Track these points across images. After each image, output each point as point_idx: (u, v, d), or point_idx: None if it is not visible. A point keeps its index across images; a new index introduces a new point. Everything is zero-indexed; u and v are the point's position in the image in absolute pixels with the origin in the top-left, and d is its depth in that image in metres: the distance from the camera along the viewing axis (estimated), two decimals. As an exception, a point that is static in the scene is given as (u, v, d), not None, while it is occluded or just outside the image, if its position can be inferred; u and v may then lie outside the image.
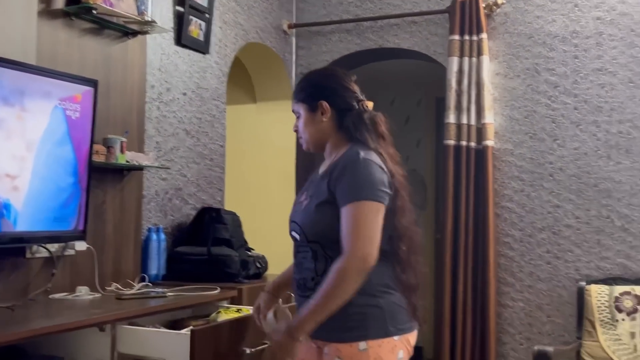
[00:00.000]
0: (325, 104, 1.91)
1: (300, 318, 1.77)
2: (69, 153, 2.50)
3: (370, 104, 1.96)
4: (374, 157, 1.83)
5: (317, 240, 1.84)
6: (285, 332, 1.76)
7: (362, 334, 1.77)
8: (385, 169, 1.83)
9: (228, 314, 2.65)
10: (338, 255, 1.76)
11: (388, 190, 1.81)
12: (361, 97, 1.95)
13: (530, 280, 3.80)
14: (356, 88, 1.96)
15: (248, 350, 2.29)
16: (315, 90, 1.93)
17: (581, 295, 3.47)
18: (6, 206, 2.25)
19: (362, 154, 1.81)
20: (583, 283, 3.53)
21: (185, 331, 2.22)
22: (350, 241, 1.73)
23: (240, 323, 2.34)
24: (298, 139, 1.99)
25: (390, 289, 1.83)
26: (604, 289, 3.41)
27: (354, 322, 1.78)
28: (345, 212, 1.76)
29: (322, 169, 1.95)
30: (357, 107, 1.92)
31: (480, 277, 3.79)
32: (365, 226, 1.74)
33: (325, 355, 1.81)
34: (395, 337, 1.80)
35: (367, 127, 1.90)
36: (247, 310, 2.68)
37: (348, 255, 1.72)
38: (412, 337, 1.87)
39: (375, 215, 1.76)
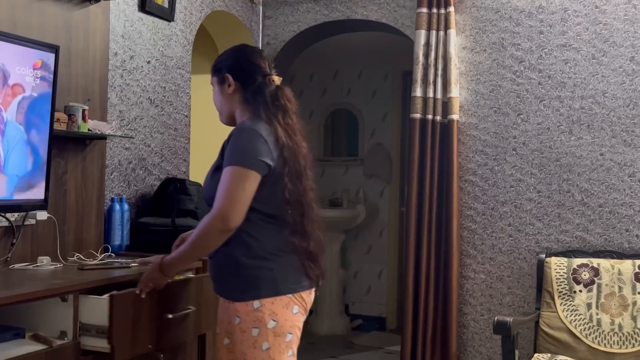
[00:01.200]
0: (229, 76, 2.06)
1: (169, 259, 2.04)
2: (29, 121, 2.43)
3: (276, 79, 2.09)
4: (261, 128, 1.95)
5: (211, 203, 1.97)
6: (155, 265, 2.06)
7: (254, 293, 1.96)
8: (270, 140, 1.95)
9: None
10: (237, 231, 1.93)
11: (266, 160, 1.93)
12: (268, 71, 2.08)
13: (491, 253, 3.87)
14: (263, 63, 2.09)
15: (170, 316, 2.35)
16: (223, 64, 2.10)
17: (541, 267, 3.55)
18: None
19: (248, 123, 1.97)
20: (543, 255, 3.61)
21: (105, 296, 2.21)
22: (216, 201, 1.90)
23: (127, 283, 2.37)
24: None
25: (281, 252, 1.99)
26: (562, 261, 3.50)
27: (247, 283, 1.96)
28: (222, 175, 1.92)
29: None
30: (259, 80, 2.05)
31: (444, 249, 3.85)
32: (231, 189, 1.88)
33: (230, 313, 2.00)
34: (289, 295, 1.99)
35: (264, 99, 2.02)
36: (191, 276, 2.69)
37: (212, 214, 1.90)
38: (306, 295, 2.05)
39: (242, 180, 1.89)
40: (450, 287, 3.81)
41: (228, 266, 2.00)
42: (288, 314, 1.99)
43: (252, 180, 1.91)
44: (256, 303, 1.96)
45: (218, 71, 2.10)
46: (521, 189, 3.82)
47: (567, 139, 3.74)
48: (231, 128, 2.06)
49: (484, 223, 3.90)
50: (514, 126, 3.84)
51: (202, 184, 2.13)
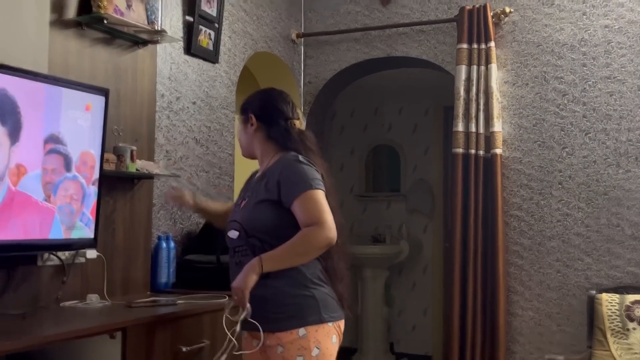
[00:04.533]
0: (252, 116, 2.21)
1: (267, 255, 1.98)
2: (81, 162, 2.51)
3: (298, 123, 2.24)
4: (303, 158, 2.10)
5: (256, 235, 2.04)
6: (256, 260, 1.97)
7: (300, 321, 2.00)
8: (318, 170, 2.09)
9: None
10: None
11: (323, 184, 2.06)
12: (290, 116, 2.22)
13: (540, 289, 3.79)
14: (287, 107, 2.23)
15: (184, 349, 2.37)
16: (249, 105, 2.25)
17: (591, 304, 3.46)
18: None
19: (294, 155, 2.10)
20: (593, 292, 3.51)
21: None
22: (319, 217, 1.97)
23: (175, 320, 2.41)
24: None
25: (321, 281, 2.07)
26: (614, 297, 3.39)
27: (291, 312, 2.00)
28: (302, 200, 1.99)
29: (258, 174, 2.22)
30: (282, 124, 2.19)
31: (490, 285, 3.78)
32: (325, 207, 2.00)
33: (268, 348, 2.01)
34: (329, 324, 2.04)
35: (294, 139, 2.17)
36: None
37: (320, 226, 1.96)
38: (342, 324, 2.11)
39: (324, 199, 2.01)
40: (497, 325, 3.73)
41: (274, 297, 2.02)
42: (329, 343, 2.04)
43: (326, 201, 2.03)
44: (302, 331, 1.99)
45: (244, 111, 2.26)
46: (568, 224, 3.74)
47: (615, 172, 3.66)
48: (250, 161, 2.29)
49: (531, 259, 3.82)
50: (559, 160, 3.79)
51: (231, 218, 2.17)
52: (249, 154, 2.29)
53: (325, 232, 1.97)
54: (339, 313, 2.11)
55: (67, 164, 2.48)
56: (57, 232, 2.43)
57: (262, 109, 2.22)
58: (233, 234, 2.12)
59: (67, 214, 2.48)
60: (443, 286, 5.59)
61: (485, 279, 3.81)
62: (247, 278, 1.97)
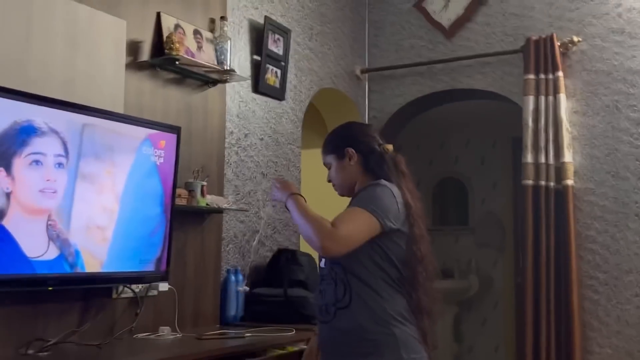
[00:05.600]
0: (350, 149, 2.12)
1: (299, 199, 2.01)
2: (156, 198, 2.61)
3: (389, 147, 2.18)
4: (394, 189, 2.02)
5: (339, 261, 1.97)
6: (288, 193, 2.05)
7: (377, 359, 1.91)
8: (400, 201, 2.01)
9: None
10: (358, 282, 1.95)
11: (392, 219, 1.96)
12: (381, 141, 2.17)
13: (618, 325, 3.62)
14: (375, 134, 2.20)
15: None
16: (341, 140, 2.17)
17: (675, 341, 3.28)
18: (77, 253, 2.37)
19: (382, 182, 2.03)
20: (676, 329, 3.34)
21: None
22: (339, 223, 1.89)
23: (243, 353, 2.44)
24: (333, 187, 2.19)
25: (404, 319, 1.97)
26: (700, 335, 3.21)
27: (370, 348, 1.92)
28: (347, 210, 1.97)
29: None
30: (378, 149, 2.13)
31: (564, 321, 3.65)
32: (352, 223, 1.91)
33: None
34: None
35: (388, 166, 2.10)
36: (291, 348, 2.74)
37: (332, 229, 1.88)
38: None
39: (365, 221, 1.92)
40: (573, 363, 3.58)
41: (354, 331, 1.96)
42: None
43: (371, 227, 1.93)
44: None
45: (335, 148, 2.16)
46: (647, 257, 3.59)
47: (696, 203, 3.50)
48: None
49: (608, 293, 3.67)
50: (635, 191, 3.65)
51: None
52: (349, 190, 2.17)
53: (326, 240, 1.88)
54: (421, 354, 1.99)
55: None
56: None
57: (356, 139, 2.15)
58: (322, 262, 2.10)
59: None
60: (515, 322, 5.43)
61: (559, 314, 3.68)
62: (282, 185, 2.09)
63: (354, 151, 2.13)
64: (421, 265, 2.00)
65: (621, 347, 3.60)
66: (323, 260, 2.07)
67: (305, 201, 2.03)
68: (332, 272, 2.01)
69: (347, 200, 2.12)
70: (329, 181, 2.20)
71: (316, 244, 1.89)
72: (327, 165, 2.19)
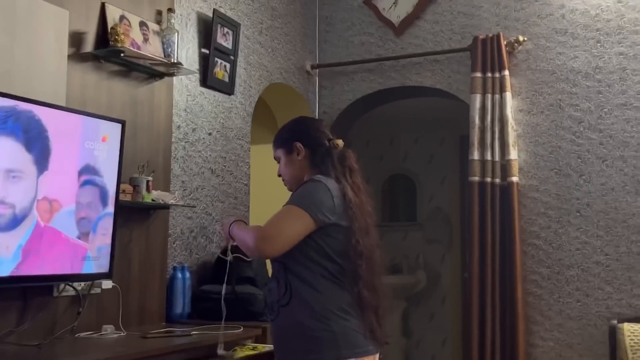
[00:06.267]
0: (298, 144, 2.14)
1: (236, 226, 2.08)
2: (99, 194, 2.54)
3: (339, 142, 2.17)
4: (330, 183, 2.03)
5: (279, 259, 2.00)
6: (229, 222, 2.13)
7: (317, 356, 1.93)
8: (337, 194, 2.01)
9: (244, 351, 2.66)
10: (296, 279, 1.97)
11: (326, 213, 1.97)
12: (331, 136, 2.18)
13: (560, 319, 3.72)
14: (326, 129, 2.21)
15: None
16: (290, 134, 2.18)
17: (613, 334, 3.38)
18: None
19: (319, 177, 2.05)
20: (615, 321, 3.44)
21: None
22: (268, 225, 1.94)
23: (189, 351, 2.42)
24: (283, 181, 2.21)
25: (346, 313, 1.97)
26: (637, 327, 3.32)
27: (310, 345, 1.94)
28: (280, 210, 1.99)
29: None
30: (327, 144, 2.14)
31: (509, 315, 3.73)
32: (282, 221, 1.95)
33: None
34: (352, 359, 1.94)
35: (332, 161, 2.10)
36: (262, 347, 2.73)
37: (260, 232, 1.94)
38: (371, 358, 2.01)
39: (295, 218, 1.94)
40: (517, 356, 3.66)
41: (294, 329, 1.98)
42: None
43: (304, 223, 1.95)
44: None
45: (284, 142, 2.18)
46: (587, 252, 3.69)
47: (634, 200, 3.62)
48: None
49: (550, 288, 3.77)
50: (577, 187, 3.75)
51: None
52: (299, 185, 2.15)
53: (258, 240, 1.93)
54: (365, 348, 1.98)
55: (104, 198, 2.55)
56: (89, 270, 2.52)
57: (305, 134, 2.17)
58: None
59: (104, 254, 2.56)
60: (462, 317, 5.53)
61: (504, 308, 3.75)
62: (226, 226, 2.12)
63: (302, 145, 2.13)
64: (361, 258, 2.00)
65: (563, 340, 3.70)
66: None
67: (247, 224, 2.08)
68: (275, 271, 2.04)
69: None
70: (279, 175, 2.21)
71: (251, 248, 1.94)
72: (277, 159, 2.20)
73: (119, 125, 2.64)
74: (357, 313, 1.98)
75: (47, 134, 2.30)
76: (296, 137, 2.16)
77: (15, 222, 2.21)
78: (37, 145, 2.28)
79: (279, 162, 2.20)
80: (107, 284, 2.72)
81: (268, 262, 3.43)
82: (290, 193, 2.13)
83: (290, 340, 1.98)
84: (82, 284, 2.61)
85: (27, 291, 2.41)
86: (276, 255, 1.98)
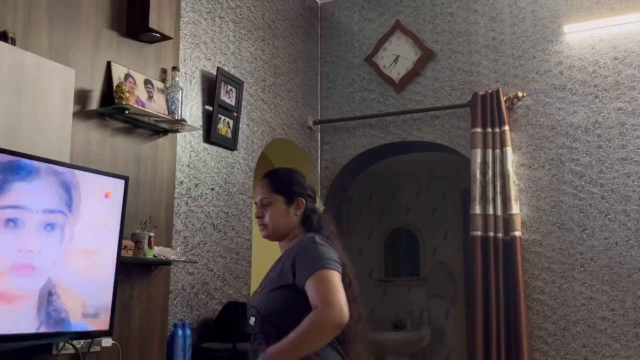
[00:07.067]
0: (303, 200, 2.11)
1: (274, 349, 1.85)
2: (99, 249, 2.53)
3: (321, 207, 2.18)
4: (325, 243, 2.01)
5: (272, 320, 1.94)
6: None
7: None
8: (338, 254, 2.00)
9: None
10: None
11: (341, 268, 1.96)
12: (314, 196, 2.18)
13: (567, 377, 3.65)
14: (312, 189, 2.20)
15: None
16: (296, 187, 2.13)
17: (622, 392, 3.31)
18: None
19: (313, 236, 2.01)
20: (623, 379, 3.37)
21: None
22: (327, 297, 1.85)
23: None
24: (260, 225, 2.12)
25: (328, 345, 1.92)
26: (646, 385, 3.26)
27: None
28: (313, 280, 1.89)
29: (279, 256, 2.11)
30: (313, 205, 2.14)
31: (515, 373, 3.65)
32: (337, 287, 1.87)
33: None
34: None
35: (320, 222, 2.11)
36: None
37: (326, 308, 1.83)
38: None
39: (337, 282, 1.89)
40: (524, 415, 3.57)
41: None
42: None
43: (339, 279, 1.92)
44: None
45: (287, 192, 2.12)
46: (593, 307, 3.65)
47: (638, 254, 3.60)
48: (268, 245, 2.13)
49: (557, 344, 3.70)
50: (580, 242, 3.74)
51: (251, 304, 2.07)
52: (280, 238, 2.13)
53: (333, 314, 1.83)
54: None
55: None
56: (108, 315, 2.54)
57: (308, 192, 2.14)
58: (251, 320, 2.04)
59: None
60: (467, 374, 5.42)
61: (510, 366, 3.68)
62: None
63: (304, 203, 2.11)
64: (359, 323, 1.99)
65: (571, 398, 3.62)
66: (252, 318, 2.02)
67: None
68: (264, 330, 1.96)
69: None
70: (259, 217, 2.13)
71: (328, 333, 1.84)
72: (265, 202, 2.12)
73: (122, 181, 2.65)
74: None
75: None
76: (301, 192, 2.13)
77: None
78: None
79: (264, 205, 2.12)
80: (107, 341, 2.68)
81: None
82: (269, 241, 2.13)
83: None
84: (82, 342, 2.58)
85: (25, 350, 2.38)
86: (276, 317, 1.93)
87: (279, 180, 2.14)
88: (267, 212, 2.10)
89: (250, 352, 2.04)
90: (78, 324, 2.44)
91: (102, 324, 2.55)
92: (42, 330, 2.31)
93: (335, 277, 1.90)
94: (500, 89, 3.95)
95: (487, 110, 3.95)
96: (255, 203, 2.17)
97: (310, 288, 1.89)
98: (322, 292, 1.86)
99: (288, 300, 1.94)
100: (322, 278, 1.89)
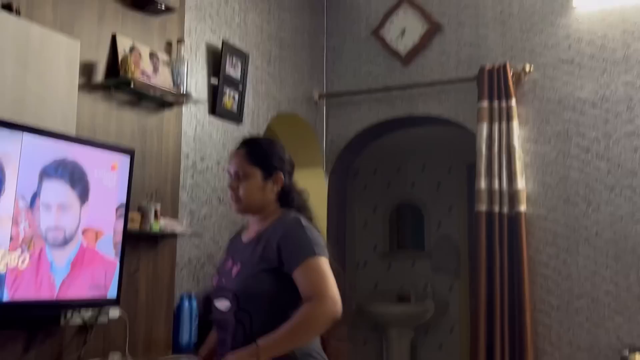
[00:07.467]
0: (281, 176, 1.99)
1: (265, 343, 1.75)
2: (106, 222, 2.55)
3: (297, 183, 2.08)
4: (311, 225, 1.93)
5: (250, 308, 1.84)
6: (251, 351, 1.75)
7: None
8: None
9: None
10: (262, 333, 1.77)
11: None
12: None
13: (570, 350, 3.68)
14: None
15: None
16: (275, 160, 1.99)
17: (624, 365, 3.34)
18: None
19: (301, 219, 1.91)
20: (626, 352, 3.40)
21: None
22: (322, 288, 1.78)
23: None
24: (232, 197, 1.98)
25: (320, 356, 1.89)
26: (648, 358, 3.28)
27: None
28: (304, 269, 1.81)
29: (251, 235, 1.98)
30: (291, 180, 2.03)
31: (518, 346, 3.68)
32: (329, 277, 1.81)
33: None
34: None
35: (306, 205, 2.02)
36: None
37: (322, 299, 1.77)
38: None
39: (329, 269, 1.83)
40: (527, 387, 3.61)
41: None
42: None
43: (330, 270, 1.85)
44: None
45: (265, 164, 1.97)
46: (597, 282, 3.66)
47: (643, 229, 3.60)
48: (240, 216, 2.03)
49: (560, 318, 3.73)
50: (585, 216, 3.74)
51: (221, 285, 1.94)
52: (254, 211, 1.99)
53: (329, 306, 1.76)
54: None
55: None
56: (115, 285, 2.59)
57: (288, 166, 2.02)
58: (223, 304, 1.88)
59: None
60: (471, 347, 5.46)
61: (513, 339, 3.71)
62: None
63: (283, 179, 1.99)
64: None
65: (573, 371, 3.65)
66: (223, 301, 1.88)
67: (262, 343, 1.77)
68: (238, 318, 1.84)
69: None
70: (232, 188, 1.98)
71: (323, 326, 1.78)
72: (239, 174, 1.97)
73: (128, 154, 2.66)
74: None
75: (87, 176, 2.47)
76: (280, 167, 1.99)
77: (65, 242, 2.38)
78: (79, 185, 2.44)
79: (238, 177, 1.97)
80: (114, 313, 2.72)
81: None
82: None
83: None
84: (90, 313, 2.61)
85: (33, 320, 2.41)
86: (250, 303, 1.83)
87: (258, 152, 1.99)
88: (241, 184, 1.96)
89: (220, 341, 1.91)
90: (86, 294, 2.48)
91: (110, 295, 2.58)
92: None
93: (326, 265, 1.83)
94: (507, 63, 3.92)
95: (494, 84, 3.92)
96: (228, 172, 2.01)
97: (301, 277, 1.81)
98: (315, 283, 1.79)
99: (273, 285, 1.84)
100: (313, 267, 1.81)
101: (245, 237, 2.01)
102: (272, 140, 2.11)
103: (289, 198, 1.99)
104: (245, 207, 1.97)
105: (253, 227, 2.00)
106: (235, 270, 1.91)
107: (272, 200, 1.98)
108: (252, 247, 1.92)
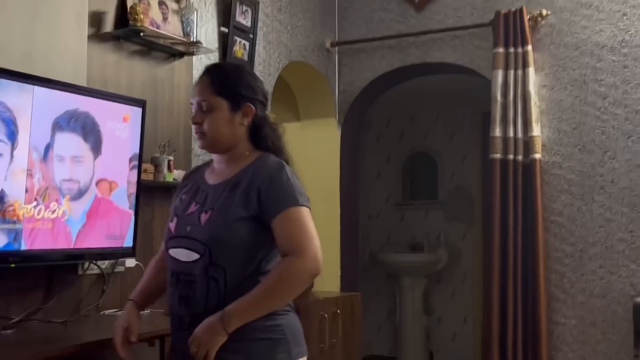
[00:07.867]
0: (251, 107, 1.75)
1: (235, 308, 1.58)
2: (120, 173, 2.56)
3: (274, 116, 1.87)
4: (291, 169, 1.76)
5: (223, 264, 1.64)
6: (217, 319, 1.58)
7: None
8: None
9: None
10: (236, 289, 1.62)
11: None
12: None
13: (582, 297, 3.70)
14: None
15: None
16: (245, 90, 1.75)
17: (637, 311, 3.36)
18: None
19: (282, 163, 1.73)
20: (639, 299, 3.41)
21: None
22: (303, 242, 1.62)
23: None
24: (197, 133, 1.77)
25: (289, 306, 1.73)
26: (661, 305, 3.29)
27: (259, 347, 1.65)
28: (283, 220, 1.64)
29: (223, 177, 1.75)
30: (265, 114, 1.81)
31: (531, 293, 3.71)
32: (311, 230, 1.66)
33: None
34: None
35: (280, 140, 1.81)
36: None
37: (301, 256, 1.61)
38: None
39: (312, 221, 1.68)
40: (539, 334, 3.65)
41: (231, 338, 1.60)
42: None
43: (313, 222, 1.70)
44: None
45: (233, 94, 1.73)
46: (612, 229, 3.65)
47: (660, 176, 3.56)
48: (209, 155, 1.84)
49: (573, 265, 3.74)
50: (601, 164, 3.70)
51: (186, 234, 1.71)
52: (222, 149, 1.76)
53: (309, 263, 1.61)
54: (304, 347, 1.74)
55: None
56: (131, 236, 2.62)
57: (260, 97, 1.78)
58: (188, 255, 1.67)
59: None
60: (483, 294, 5.51)
61: (526, 286, 3.74)
62: (215, 338, 1.57)
63: (254, 110, 1.75)
64: None
65: (586, 317, 3.68)
66: (187, 251, 1.67)
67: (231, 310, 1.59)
68: (208, 274, 1.65)
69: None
70: (196, 123, 1.75)
71: (303, 284, 1.63)
72: (204, 107, 1.73)
73: (140, 105, 2.65)
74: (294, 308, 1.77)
75: (99, 127, 2.47)
76: (250, 96, 1.75)
77: (80, 193, 2.41)
78: (92, 136, 2.44)
79: (203, 109, 1.73)
80: (130, 262, 2.75)
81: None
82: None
83: (237, 339, 1.61)
84: (106, 262, 2.65)
85: (53, 269, 2.45)
86: (226, 258, 1.65)
87: (223, 80, 1.74)
88: (206, 118, 1.72)
89: (177, 298, 1.70)
90: (102, 244, 2.51)
91: (126, 244, 2.61)
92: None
93: (309, 218, 1.67)
94: (523, 7, 3.82)
95: (510, 30, 3.84)
96: (191, 104, 1.79)
97: (280, 228, 1.64)
98: (295, 236, 1.63)
99: (250, 236, 1.66)
100: (294, 218, 1.64)
101: (212, 178, 1.78)
102: (240, 66, 1.90)
103: (262, 134, 1.77)
104: (211, 143, 1.75)
105: (221, 167, 1.78)
106: (204, 217, 1.69)
107: (243, 136, 1.75)
108: (226, 191, 1.70)
